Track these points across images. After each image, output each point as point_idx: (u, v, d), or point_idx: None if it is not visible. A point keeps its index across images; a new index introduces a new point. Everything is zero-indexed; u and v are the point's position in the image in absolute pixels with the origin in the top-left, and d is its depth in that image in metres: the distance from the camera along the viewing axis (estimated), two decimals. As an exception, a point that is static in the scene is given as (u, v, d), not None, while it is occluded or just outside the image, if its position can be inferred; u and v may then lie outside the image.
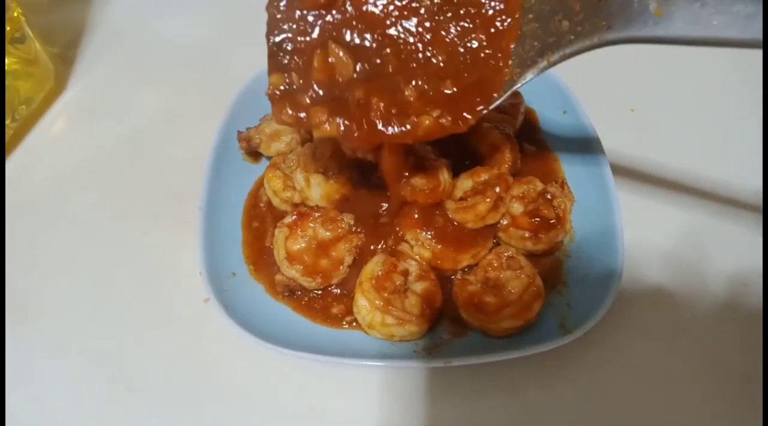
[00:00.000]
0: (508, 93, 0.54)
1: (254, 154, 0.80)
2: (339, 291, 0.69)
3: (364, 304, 0.63)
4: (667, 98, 0.92)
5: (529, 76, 0.53)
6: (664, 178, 0.81)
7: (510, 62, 0.53)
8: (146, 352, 0.69)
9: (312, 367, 0.65)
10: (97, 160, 0.86)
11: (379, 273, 0.64)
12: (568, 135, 0.81)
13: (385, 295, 0.63)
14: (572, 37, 0.50)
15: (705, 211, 0.78)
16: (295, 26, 0.53)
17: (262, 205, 0.76)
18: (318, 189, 0.70)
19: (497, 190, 0.66)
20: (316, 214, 0.69)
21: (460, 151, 0.74)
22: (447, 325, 0.66)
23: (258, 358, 0.66)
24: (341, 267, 0.67)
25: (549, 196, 0.70)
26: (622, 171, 0.81)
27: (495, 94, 0.53)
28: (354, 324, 0.66)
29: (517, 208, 0.70)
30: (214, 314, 0.68)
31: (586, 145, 0.78)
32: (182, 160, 0.84)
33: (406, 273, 0.66)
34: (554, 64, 0.53)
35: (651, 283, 0.71)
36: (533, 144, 0.81)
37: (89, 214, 0.80)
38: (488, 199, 0.65)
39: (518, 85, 0.54)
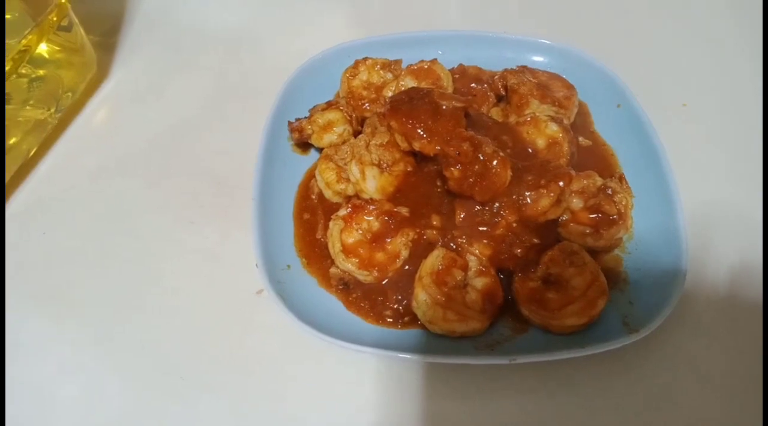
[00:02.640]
0: None
1: (303, 145, 0.79)
2: (392, 286, 0.67)
3: (424, 299, 0.61)
4: (719, 93, 0.90)
5: None
6: (724, 174, 0.79)
7: None
8: (193, 344, 0.67)
9: (368, 361, 0.64)
10: (141, 149, 0.85)
11: (440, 267, 0.63)
12: (623, 129, 0.79)
13: (446, 290, 0.61)
14: None
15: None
16: None
17: (313, 197, 0.74)
18: (373, 181, 0.69)
19: (561, 184, 0.64)
20: (371, 207, 0.68)
21: (515, 147, 0.72)
22: (507, 322, 0.64)
23: (311, 352, 0.65)
24: (397, 260, 0.66)
25: (610, 192, 0.68)
26: (679, 166, 0.79)
27: None
28: (409, 323, 0.64)
29: (576, 203, 0.68)
30: (265, 306, 0.67)
31: (643, 139, 0.76)
32: (226, 149, 0.83)
33: (465, 268, 0.64)
34: None
35: (715, 282, 0.69)
36: (587, 138, 0.79)
37: (134, 204, 0.80)
38: (552, 194, 0.64)
39: None
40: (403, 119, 0.67)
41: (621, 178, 0.72)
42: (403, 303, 0.64)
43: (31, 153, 0.84)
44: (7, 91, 0.79)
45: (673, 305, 0.62)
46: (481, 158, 0.63)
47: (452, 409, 0.62)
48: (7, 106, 0.81)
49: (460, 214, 0.65)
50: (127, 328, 0.69)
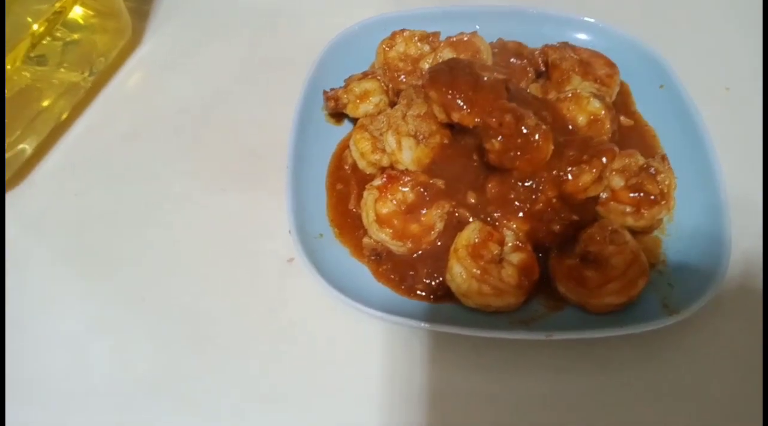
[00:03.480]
0: None
1: (337, 116, 0.78)
2: (424, 260, 0.66)
3: (459, 272, 0.60)
4: (763, 79, 0.87)
5: None
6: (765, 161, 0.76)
7: None
8: (224, 309, 0.67)
9: (400, 332, 0.63)
10: (173, 116, 0.84)
11: (476, 240, 0.62)
12: (666, 110, 0.76)
13: (482, 263, 0.60)
14: None
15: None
16: None
17: (346, 167, 0.73)
18: (409, 152, 0.68)
19: (604, 160, 0.62)
20: (406, 178, 0.67)
21: (555, 123, 0.70)
22: (542, 299, 0.63)
23: (342, 321, 0.64)
24: (432, 232, 0.65)
25: (652, 171, 0.66)
26: (720, 150, 0.76)
27: None
28: (442, 297, 0.63)
29: (617, 181, 0.66)
30: (296, 275, 0.66)
31: (686, 121, 0.74)
32: (259, 118, 0.83)
33: (502, 242, 0.63)
34: None
35: (756, 269, 0.67)
36: (629, 117, 0.77)
37: (165, 170, 0.79)
38: (594, 170, 0.62)
39: None
40: (443, 89, 0.66)
41: (663, 158, 0.70)
42: (437, 278, 0.63)
43: (64, 115, 0.84)
44: (42, 53, 0.79)
45: (714, 290, 0.60)
46: (524, 130, 0.62)
47: (483, 384, 0.61)
48: (41, 68, 0.81)
49: (493, 189, 0.64)
50: (157, 291, 0.69)
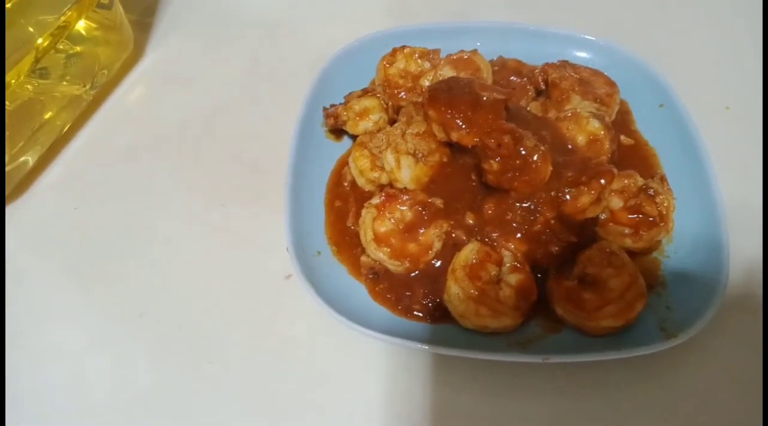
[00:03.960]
0: None
1: (337, 132, 0.78)
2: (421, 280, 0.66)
3: (456, 292, 0.60)
4: (762, 98, 0.87)
5: None
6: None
7: None
8: (221, 325, 0.67)
9: (397, 353, 0.63)
10: (174, 129, 0.85)
11: (474, 261, 0.61)
12: (666, 129, 0.76)
13: (479, 284, 0.60)
14: None
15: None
16: None
17: (345, 184, 0.73)
18: (408, 171, 0.68)
19: (602, 181, 0.62)
20: (405, 197, 0.67)
21: (554, 143, 0.70)
22: (539, 320, 0.63)
23: (338, 340, 0.64)
24: (430, 252, 0.65)
25: (651, 192, 0.66)
26: (721, 170, 0.76)
27: None
28: (439, 318, 0.63)
29: (616, 202, 0.66)
30: (294, 292, 0.66)
31: (686, 141, 0.74)
32: (260, 132, 0.83)
33: (500, 263, 0.63)
34: None
35: (756, 289, 0.67)
36: (630, 136, 0.76)
37: (166, 183, 0.80)
38: (592, 191, 0.62)
39: None
40: (442, 108, 0.66)
41: (662, 179, 0.70)
42: (434, 300, 0.63)
43: (66, 128, 0.85)
44: (44, 65, 0.79)
45: (713, 312, 0.60)
46: (522, 152, 0.62)
47: (479, 406, 0.61)
48: (44, 81, 0.81)
49: (490, 209, 0.64)
50: (155, 307, 0.69)
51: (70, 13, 0.79)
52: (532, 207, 0.63)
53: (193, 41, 0.96)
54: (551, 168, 0.63)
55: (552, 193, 0.63)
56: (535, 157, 0.62)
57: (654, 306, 0.63)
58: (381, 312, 0.64)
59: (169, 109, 0.87)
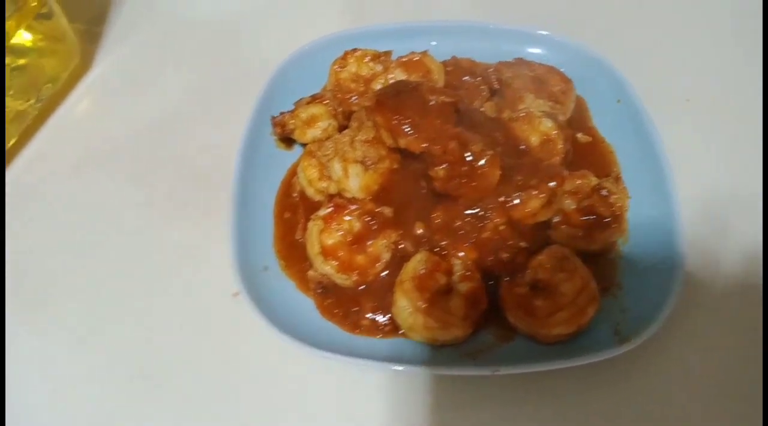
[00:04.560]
0: None
1: (287, 141, 0.76)
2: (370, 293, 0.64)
3: (404, 306, 0.59)
4: (724, 89, 0.85)
5: None
6: (728, 173, 0.75)
7: None
8: (171, 347, 0.65)
9: (347, 368, 0.61)
10: (123, 143, 0.82)
11: (422, 271, 0.60)
12: (623, 125, 0.75)
13: (428, 295, 0.59)
14: None
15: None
16: None
17: (295, 195, 0.72)
18: (356, 179, 0.66)
19: (552, 184, 0.61)
20: (353, 207, 0.65)
21: (507, 144, 0.69)
22: (492, 329, 0.61)
23: (289, 357, 0.62)
24: (378, 264, 0.63)
25: (605, 193, 0.65)
26: (680, 166, 0.74)
27: None
28: (389, 332, 0.62)
29: (569, 204, 0.65)
30: (244, 309, 0.64)
31: (643, 137, 0.72)
32: (212, 144, 0.80)
33: (450, 272, 0.61)
34: None
35: (713, 288, 0.66)
36: (587, 133, 0.75)
37: (114, 199, 0.77)
38: (542, 195, 0.60)
39: None
40: (389, 114, 0.64)
41: (617, 179, 0.69)
42: (383, 313, 0.62)
43: (11, 143, 0.82)
44: (-14, 80, 0.77)
45: (665, 315, 0.59)
46: (469, 158, 0.60)
47: (432, 419, 0.59)
48: (-15, 97, 0.79)
49: (438, 218, 0.62)
50: (103, 329, 0.67)
51: (9, 22, 0.77)
52: (481, 213, 0.62)
53: (144, 50, 0.93)
54: (500, 172, 0.61)
55: (501, 199, 0.61)
56: (482, 163, 0.60)
57: (609, 309, 0.62)
58: (331, 327, 0.63)
59: (118, 121, 0.85)
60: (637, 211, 0.68)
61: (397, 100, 0.65)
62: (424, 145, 0.63)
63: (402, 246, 0.63)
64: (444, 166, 0.61)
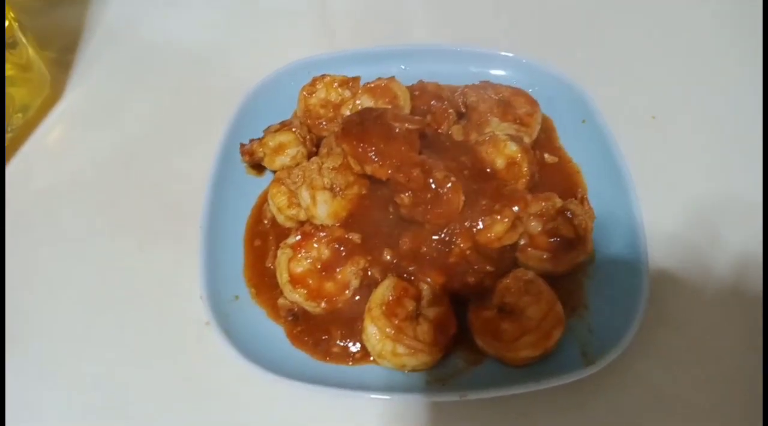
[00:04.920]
0: None
1: (258, 167, 0.76)
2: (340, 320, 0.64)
3: (373, 333, 0.59)
4: (689, 105, 0.87)
5: None
6: (689, 189, 0.76)
7: None
8: (143, 379, 0.65)
9: (318, 397, 0.61)
10: (94, 172, 0.82)
11: (390, 298, 0.60)
12: (589, 145, 0.76)
13: (396, 322, 0.59)
14: None
15: (737, 226, 0.72)
16: None
17: (265, 221, 0.72)
18: (324, 207, 0.66)
19: (515, 209, 0.62)
20: (321, 234, 0.66)
21: (474, 168, 0.70)
22: (461, 353, 0.62)
23: (261, 387, 0.62)
24: (347, 290, 0.64)
25: (569, 215, 0.66)
26: (646, 184, 0.75)
27: None
28: (360, 359, 0.62)
29: (535, 226, 0.66)
30: (216, 339, 0.64)
31: (607, 157, 0.73)
32: (184, 172, 0.80)
33: (418, 297, 0.62)
34: None
35: (677, 306, 0.67)
36: (554, 154, 0.76)
37: (84, 229, 0.77)
38: (506, 219, 0.61)
39: None
40: (354, 142, 0.65)
41: (582, 200, 0.70)
42: (353, 341, 0.62)
43: (-20, 175, 0.82)
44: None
45: (631, 336, 0.59)
46: (433, 186, 0.61)
47: (404, 446, 0.60)
48: (-46, 128, 0.78)
49: (404, 244, 0.63)
50: (70, 360, 0.66)
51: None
52: (447, 238, 0.62)
53: (115, 77, 0.93)
54: (463, 198, 0.62)
55: (466, 223, 0.62)
56: (445, 189, 0.61)
57: (576, 330, 0.63)
58: (303, 355, 0.63)
59: (89, 150, 0.84)
60: (603, 231, 0.69)
61: (362, 128, 0.66)
62: (390, 172, 0.63)
63: (370, 273, 0.64)
64: (408, 193, 0.61)
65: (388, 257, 0.64)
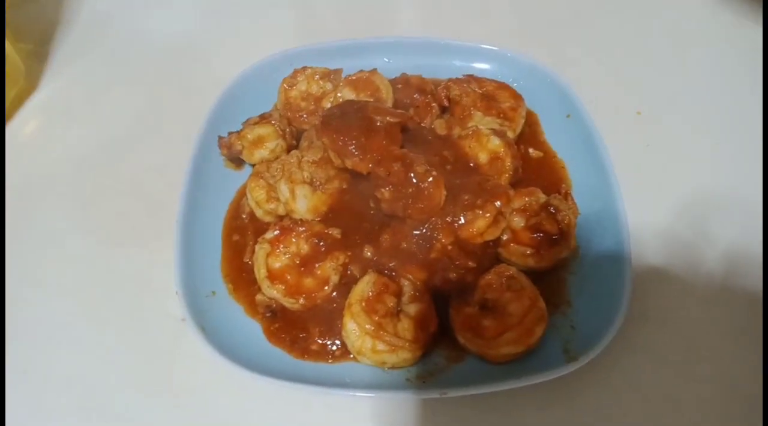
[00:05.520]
0: None
1: (237, 161, 0.75)
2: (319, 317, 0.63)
3: (353, 329, 0.58)
4: (675, 100, 0.87)
5: None
6: (674, 185, 0.75)
7: None
8: (118, 377, 0.63)
9: (297, 395, 0.60)
10: (70, 166, 0.80)
11: (370, 294, 0.59)
12: (574, 140, 0.75)
13: (376, 318, 0.58)
14: None
15: (722, 222, 0.72)
16: None
17: (244, 216, 0.70)
18: (304, 201, 0.65)
19: (497, 204, 0.61)
20: (300, 229, 0.64)
21: (457, 162, 0.69)
22: (443, 350, 0.61)
23: (239, 385, 0.61)
24: (326, 287, 0.62)
25: (553, 210, 0.65)
26: (631, 179, 0.74)
27: None
28: (340, 356, 0.61)
29: (518, 222, 0.65)
30: (192, 335, 0.63)
31: (592, 152, 0.73)
32: (162, 166, 0.79)
33: (399, 293, 0.60)
34: None
35: (661, 302, 0.66)
36: (538, 149, 0.75)
37: (60, 224, 0.75)
38: (487, 214, 0.60)
39: None
40: (334, 136, 0.63)
41: (566, 195, 0.69)
42: (332, 337, 0.61)
43: (-49, 169, 0.79)
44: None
45: (614, 332, 0.59)
46: (414, 180, 0.59)
47: (384, 445, 0.59)
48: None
49: (385, 241, 0.62)
50: (45, 358, 0.65)
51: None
52: (428, 233, 0.61)
53: (93, 70, 0.91)
54: (445, 193, 0.61)
55: (448, 219, 0.61)
56: (426, 183, 0.60)
57: (559, 326, 0.62)
58: (281, 352, 0.61)
59: (65, 144, 0.83)
60: (587, 227, 0.68)
61: (342, 121, 0.64)
62: (370, 165, 0.62)
63: (350, 270, 0.62)
64: (389, 187, 0.60)
65: (369, 253, 0.62)
